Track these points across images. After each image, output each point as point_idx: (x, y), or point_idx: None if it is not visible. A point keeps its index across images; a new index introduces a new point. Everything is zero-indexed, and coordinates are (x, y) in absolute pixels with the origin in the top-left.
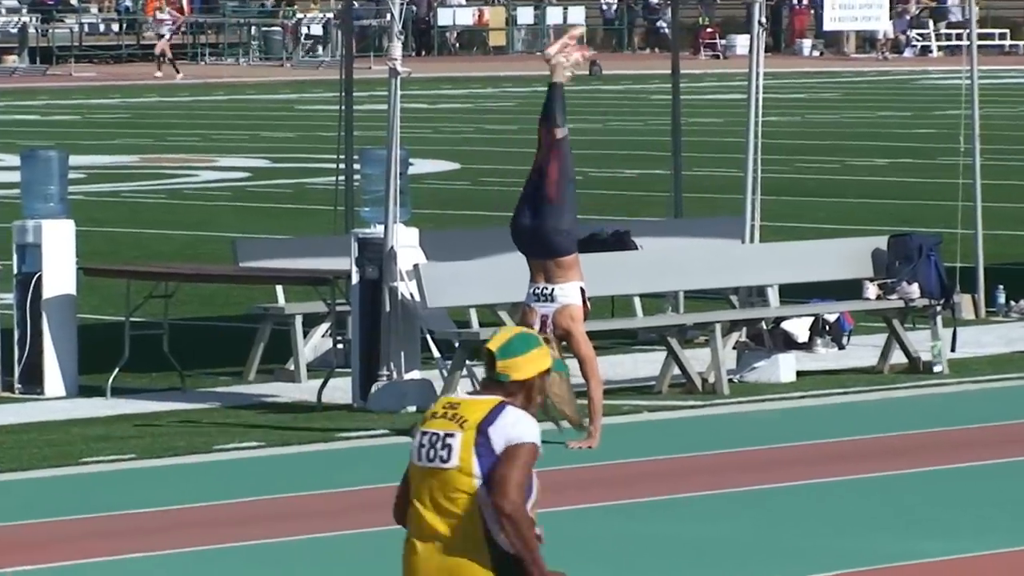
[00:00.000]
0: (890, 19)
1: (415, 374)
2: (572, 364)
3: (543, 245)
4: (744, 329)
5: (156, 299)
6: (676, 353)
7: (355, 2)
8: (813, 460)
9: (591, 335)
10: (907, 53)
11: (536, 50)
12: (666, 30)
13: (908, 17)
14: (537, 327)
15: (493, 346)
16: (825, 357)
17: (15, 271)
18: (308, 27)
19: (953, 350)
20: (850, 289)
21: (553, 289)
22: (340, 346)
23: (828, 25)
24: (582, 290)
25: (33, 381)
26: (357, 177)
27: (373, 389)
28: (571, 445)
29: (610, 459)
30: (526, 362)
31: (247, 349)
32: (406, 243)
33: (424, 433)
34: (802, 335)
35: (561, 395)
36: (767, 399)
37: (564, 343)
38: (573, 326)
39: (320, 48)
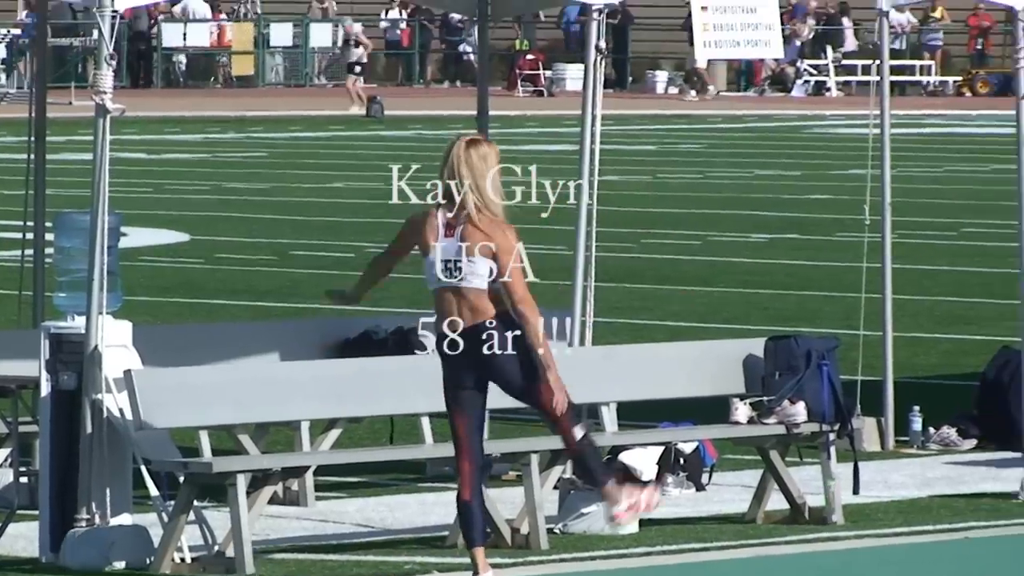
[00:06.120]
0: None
1: (125, 518)
2: None
3: None
4: (570, 462)
5: None
6: None
7: (50, 16)
8: None
9: (358, 467)
10: (796, 91)
11: (295, 82)
12: (471, 56)
13: (798, 43)
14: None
15: None
16: (679, 500)
17: None
18: None
19: (856, 492)
20: (714, 410)
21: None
22: (24, 480)
23: (701, 54)
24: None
25: None
26: (49, 251)
27: (68, 538)
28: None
29: None
30: None
31: None
32: (115, 341)
33: None
34: (648, 471)
35: None
36: (599, 556)
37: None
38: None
39: (2, 76)
